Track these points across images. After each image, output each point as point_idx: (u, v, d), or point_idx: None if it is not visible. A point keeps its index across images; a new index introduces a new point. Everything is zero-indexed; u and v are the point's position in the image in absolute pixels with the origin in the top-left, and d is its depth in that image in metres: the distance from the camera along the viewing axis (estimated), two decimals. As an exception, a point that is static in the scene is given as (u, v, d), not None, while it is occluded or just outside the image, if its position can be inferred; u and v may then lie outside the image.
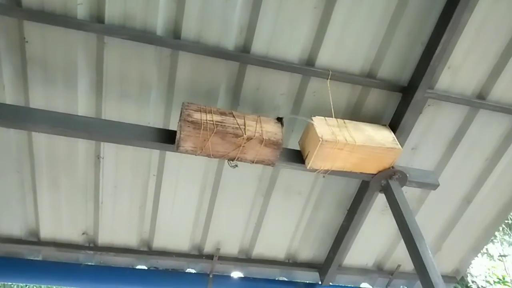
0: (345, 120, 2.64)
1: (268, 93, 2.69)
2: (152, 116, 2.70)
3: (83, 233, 3.21)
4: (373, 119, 2.83)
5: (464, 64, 2.69)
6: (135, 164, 2.94)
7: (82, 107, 2.61)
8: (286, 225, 3.43)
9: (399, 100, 2.77)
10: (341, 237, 3.32)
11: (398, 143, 2.60)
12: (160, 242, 3.32)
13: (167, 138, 2.36)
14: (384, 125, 2.77)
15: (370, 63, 2.65)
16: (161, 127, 2.72)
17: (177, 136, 2.25)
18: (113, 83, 2.55)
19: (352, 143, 2.45)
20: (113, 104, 2.62)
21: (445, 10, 2.43)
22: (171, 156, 2.91)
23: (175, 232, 3.32)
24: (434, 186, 2.92)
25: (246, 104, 2.71)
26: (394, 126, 2.75)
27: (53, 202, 3.03)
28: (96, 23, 2.31)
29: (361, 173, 2.64)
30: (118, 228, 3.24)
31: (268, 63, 2.52)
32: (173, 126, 2.67)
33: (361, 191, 3.11)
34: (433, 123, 2.92)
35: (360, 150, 2.49)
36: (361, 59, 2.62)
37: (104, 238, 3.25)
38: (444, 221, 3.49)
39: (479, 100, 2.82)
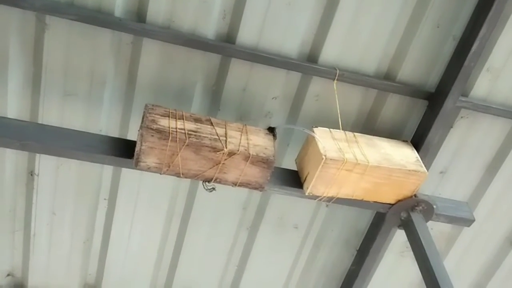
0: (356, 134, 2.64)
1: (258, 96, 2.69)
2: (105, 122, 2.67)
3: (7, 275, 3.15)
4: (391, 133, 2.84)
5: (507, 66, 2.73)
6: (81, 184, 2.88)
7: (13, 107, 2.57)
8: (278, 268, 3.39)
9: (424, 110, 2.79)
10: (349, 285, 3.29)
11: (423, 165, 2.60)
12: (110, 288, 3.27)
13: (124, 150, 2.34)
14: (405, 141, 2.78)
15: (389, 62, 2.67)
16: (116, 136, 2.68)
17: (137, 148, 2.23)
18: (55, 77, 2.51)
19: (364, 163, 2.45)
20: (53, 104, 2.58)
21: (484, -4, 2.47)
22: (128, 175, 2.87)
23: (130, 275, 3.26)
24: (469, 221, 2.92)
25: (228, 109, 2.70)
26: (417, 142, 2.76)
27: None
28: (36, -1, 2.30)
29: (375, 202, 2.64)
30: (55, 268, 3.17)
31: (258, 57, 2.52)
32: (132, 135, 2.65)
33: (375, 226, 3.10)
34: (467, 140, 2.95)
35: (374, 172, 2.49)
36: (377, 55, 2.64)
37: (35, 281, 3.18)
38: (481, 266, 3.50)
39: (525, 112, 2.87)
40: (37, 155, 2.76)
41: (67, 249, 3.12)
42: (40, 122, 2.61)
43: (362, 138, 2.62)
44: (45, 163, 2.78)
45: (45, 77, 2.51)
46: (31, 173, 2.82)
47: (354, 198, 2.58)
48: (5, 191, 2.85)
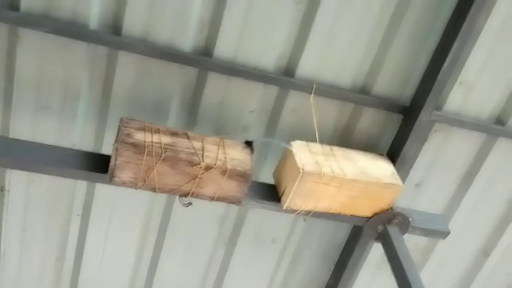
0: (333, 147, 2.67)
1: (235, 109, 2.70)
2: (78, 135, 2.64)
3: (-26, 295, 3.06)
4: (368, 146, 2.87)
5: (479, 80, 2.79)
6: (53, 200, 2.83)
7: (-18, 121, 2.52)
8: (255, 284, 3.38)
9: (399, 123, 2.83)
10: (327, 299, 3.31)
11: (399, 178, 2.64)
12: (83, 307, 3.20)
13: (98, 165, 2.31)
14: (381, 154, 2.82)
15: (364, 76, 2.71)
16: (90, 150, 2.65)
17: (112, 163, 2.20)
18: (27, 91, 2.48)
19: (341, 176, 2.47)
20: (25, 118, 2.54)
21: (457, 10, 2.49)
22: (102, 190, 2.84)
23: (104, 294, 3.21)
24: (444, 234, 2.96)
25: (205, 122, 2.70)
26: (393, 155, 2.80)
27: None
28: (9, 11, 2.26)
29: (352, 216, 2.65)
30: (26, 287, 3.10)
31: (236, 70, 2.54)
32: (106, 150, 2.61)
33: (352, 240, 3.12)
34: (441, 153, 2.99)
35: (351, 185, 2.51)
36: (353, 69, 2.68)
37: (4, 301, 3.11)
38: (457, 279, 3.54)
39: (498, 126, 2.92)
40: (8, 170, 2.70)
41: (38, 267, 3.06)
42: (11, 136, 2.56)
43: (339, 151, 2.65)
44: (16, 179, 2.73)
45: (17, 91, 2.48)
46: (1, 189, 2.76)
47: (331, 211, 2.59)
48: (-27, 207, 2.78)
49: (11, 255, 2.99)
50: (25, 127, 2.56)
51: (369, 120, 2.83)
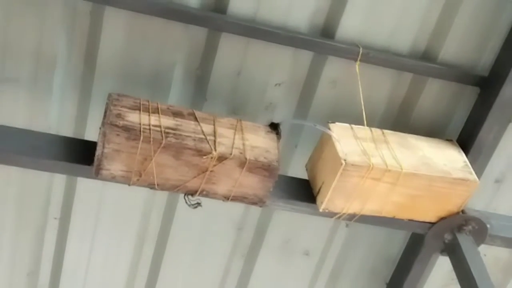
0: (385, 131, 2.65)
1: (256, 82, 2.70)
2: (55, 116, 2.68)
3: None
4: (432, 130, 2.85)
5: None
6: (23, 200, 2.88)
7: None
8: (283, 307, 3.41)
9: (474, 99, 2.80)
10: (376, 329, 3.33)
11: (473, 172, 2.61)
12: (62, 335, 3.27)
13: (81, 154, 2.33)
14: (449, 140, 2.80)
15: (427, 37, 2.69)
16: (70, 135, 2.68)
17: (98, 152, 2.22)
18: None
19: (397, 169, 2.45)
20: (-12, 93, 2.58)
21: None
22: (85, 187, 2.87)
23: (89, 318, 3.27)
24: (533, 244, 2.94)
25: (218, 99, 2.71)
26: (466, 142, 2.78)
27: None
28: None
29: (410, 221, 2.64)
30: (-10, 310, 3.18)
31: (256, 31, 2.53)
32: (91, 135, 2.63)
33: (410, 252, 3.11)
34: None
35: (410, 181, 2.49)
36: (413, 29, 2.65)
37: (-36, 327, 3.19)
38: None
39: None
40: (-34, 161, 2.75)
41: (5, 283, 3.12)
42: (-32, 117, 2.61)
43: (394, 137, 2.62)
44: (-24, 172, 2.78)
45: (-25, 59, 2.51)
46: (-44, 186, 2.82)
47: (382, 215, 2.59)
48: None
49: (-28, 268, 3.07)
50: (-12, 106, 2.60)
51: (434, 95, 2.81)
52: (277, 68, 2.68)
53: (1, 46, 2.49)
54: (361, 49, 2.59)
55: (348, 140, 2.50)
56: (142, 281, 3.24)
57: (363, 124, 2.61)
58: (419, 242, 2.97)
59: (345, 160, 2.39)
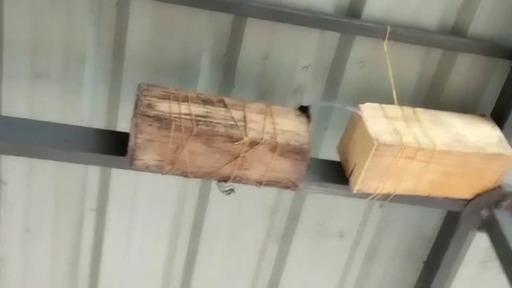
0: (416, 109, 2.63)
1: (283, 66, 2.69)
2: (87, 109, 2.71)
3: (-27, 311, 3.24)
4: (464, 106, 2.83)
5: None
6: (60, 192, 2.93)
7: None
8: (320, 289, 3.42)
9: (507, 73, 2.76)
10: (415, 308, 3.32)
11: (509, 146, 2.58)
12: (104, 323, 3.35)
13: (114, 145, 2.35)
14: (483, 115, 2.76)
15: (456, 11, 2.65)
16: (102, 127, 2.72)
17: (131, 142, 2.24)
18: (20, 55, 2.55)
19: (430, 147, 2.43)
20: (20, 90, 2.62)
21: None
22: (120, 177, 2.92)
23: (129, 305, 3.34)
24: None
25: (246, 85, 2.72)
26: (500, 116, 2.74)
27: None
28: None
29: (445, 198, 2.63)
30: (33, 300, 3.26)
31: (282, 14, 2.52)
32: (122, 126, 2.67)
33: (447, 230, 3.09)
34: None
35: (444, 159, 2.47)
36: (441, 4, 2.62)
37: (9, 317, 3.28)
38: None
39: None
40: (3, 157, 2.81)
41: (47, 274, 3.19)
42: (3, 114, 2.65)
43: (425, 115, 2.60)
44: (13, 167, 2.84)
45: (7, 56, 2.55)
46: (-4, 181, 2.88)
47: (417, 194, 2.57)
48: (-35, 205, 2.93)
49: (13, 261, 3.14)
50: (20, 102, 2.64)
51: (465, 70, 2.78)
52: (304, 50, 2.67)
53: (31, 43, 2.53)
54: (388, 27, 2.56)
55: (379, 120, 2.48)
56: (179, 268, 3.28)
57: (393, 103, 2.59)
58: (455, 220, 2.94)
59: (377, 140, 2.37)
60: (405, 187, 2.53)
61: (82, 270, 3.21)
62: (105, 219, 3.05)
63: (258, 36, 2.61)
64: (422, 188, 2.56)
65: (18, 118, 2.44)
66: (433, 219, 3.20)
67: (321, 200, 3.07)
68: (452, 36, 2.68)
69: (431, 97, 2.82)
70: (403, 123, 2.51)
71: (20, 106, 2.65)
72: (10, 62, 2.56)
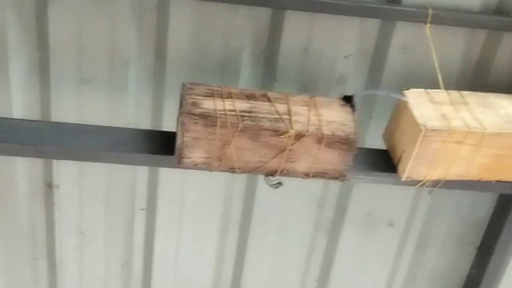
0: (463, 92, 2.58)
1: (324, 56, 2.68)
2: (133, 111, 2.75)
3: (33, 313, 3.32)
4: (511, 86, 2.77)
5: None
6: (111, 194, 2.99)
7: (18, 104, 2.68)
8: (371, 278, 3.42)
9: (557, 50, 2.70)
10: (469, 295, 3.28)
11: (562, 125, 2.51)
12: (159, 320, 3.40)
13: (162, 145, 2.38)
14: (532, 95, 2.70)
15: (500, -10, 2.61)
16: (148, 127, 2.76)
17: (178, 141, 2.27)
18: (66, 61, 2.60)
19: (479, 130, 2.39)
20: (68, 95, 2.67)
21: None
22: (167, 176, 2.95)
23: (183, 302, 3.38)
24: None
25: (287, 78, 2.71)
26: (551, 95, 2.67)
27: (-19, 263, 3.15)
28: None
29: (497, 182, 2.57)
30: (90, 301, 3.33)
31: (320, 4, 2.51)
32: (168, 126, 2.70)
33: (500, 214, 3.06)
34: None
35: (494, 141, 2.42)
36: (483, -16, 2.58)
37: (67, 318, 3.36)
38: None
39: None
40: (54, 161, 2.87)
41: (102, 275, 3.25)
42: (53, 120, 2.71)
43: (473, 98, 2.55)
44: (65, 171, 2.89)
45: (54, 63, 2.60)
46: (49, 185, 2.95)
47: (468, 178, 2.53)
48: (20, 210, 3.00)
49: (70, 263, 3.20)
50: (68, 107, 2.70)
51: (511, 50, 2.72)
52: (344, 40, 2.65)
53: (76, 49, 2.58)
54: (430, 10, 2.52)
55: (425, 106, 2.44)
56: (230, 264, 3.31)
57: (439, 88, 2.55)
58: (508, 203, 2.92)
59: (424, 126, 2.34)
60: (455, 172, 2.49)
61: (135, 270, 3.26)
62: (155, 218, 3.09)
63: (297, 28, 2.60)
64: (473, 172, 2.51)
65: (67, 123, 2.50)
66: (485, 204, 3.15)
67: (368, 190, 3.06)
68: (497, 16, 2.63)
69: (477, 79, 2.77)
70: (450, 107, 2.46)
71: (69, 111, 2.70)
72: (57, 69, 2.62)
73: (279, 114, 2.29)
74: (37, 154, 2.38)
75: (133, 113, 2.75)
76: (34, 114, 2.71)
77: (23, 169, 2.88)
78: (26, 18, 2.50)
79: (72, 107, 2.70)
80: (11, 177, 2.89)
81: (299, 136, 2.26)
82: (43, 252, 3.14)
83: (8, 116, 2.63)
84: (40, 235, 3.09)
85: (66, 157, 2.47)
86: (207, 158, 2.28)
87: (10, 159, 2.82)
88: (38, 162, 2.87)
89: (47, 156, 2.59)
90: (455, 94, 2.56)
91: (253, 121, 2.25)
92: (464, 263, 3.35)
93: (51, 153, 2.44)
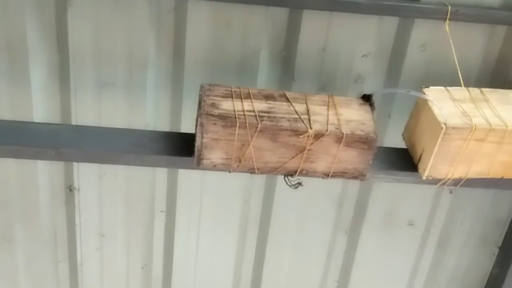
0: (483, 89, 2.54)
1: (343, 55, 2.68)
2: (151, 113, 2.77)
3: (55, 315, 3.35)
4: (533, 83, 2.75)
5: None
6: (131, 196, 3.01)
7: (39, 108, 2.71)
8: (392, 278, 3.41)
9: None
10: (492, 294, 3.25)
11: None
12: (180, 321, 3.41)
13: (181, 147, 2.39)
14: (553, 90, 2.67)
15: (520, -15, 2.58)
16: (167, 129, 2.78)
17: (198, 143, 2.26)
18: (86, 65, 2.63)
19: (501, 127, 2.35)
20: (88, 99, 2.70)
21: None
22: (186, 178, 2.97)
23: (204, 303, 3.39)
24: None
25: (306, 77, 2.71)
26: None
27: (2, 267, 3.17)
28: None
29: (520, 180, 2.55)
30: (111, 302, 3.35)
31: (338, 3, 2.50)
32: (187, 127, 2.71)
33: (522, 213, 3.02)
34: None
35: (516, 138, 2.40)
36: (503, -21, 2.57)
37: (89, 320, 3.38)
38: None
39: None
40: (75, 164, 2.90)
41: (123, 277, 3.27)
42: (74, 123, 2.75)
43: (494, 94, 2.51)
44: (86, 174, 2.92)
45: (74, 66, 2.63)
46: (70, 188, 2.97)
47: (490, 176, 2.49)
48: (41, 213, 3.03)
49: (91, 266, 3.23)
50: (89, 110, 2.73)
51: (532, 46, 2.70)
52: (362, 38, 2.65)
53: (95, 52, 2.60)
54: (449, 7, 2.51)
55: (446, 103, 2.42)
56: (249, 264, 3.31)
57: (459, 85, 2.52)
58: (531, 201, 2.87)
59: (445, 123, 2.31)
60: (477, 170, 2.46)
61: (155, 272, 3.27)
62: (174, 219, 3.10)
63: (315, 28, 2.60)
64: (495, 170, 2.48)
65: (87, 126, 2.52)
66: (507, 202, 3.13)
67: (388, 189, 3.05)
68: (516, 11, 2.60)
69: (498, 75, 2.75)
70: (471, 105, 2.44)
71: (89, 114, 2.73)
72: (77, 73, 2.64)
73: (298, 114, 2.29)
74: (58, 157, 2.39)
75: (152, 115, 2.77)
76: (54, 117, 2.74)
77: (44, 173, 2.92)
78: (45, 22, 2.53)
79: (92, 110, 2.73)
80: (32, 181, 2.93)
81: (318, 136, 2.25)
82: (64, 254, 3.18)
83: (29, 120, 2.67)
84: (61, 237, 3.12)
85: (87, 160, 2.48)
86: (226, 159, 2.28)
87: (32, 163, 2.86)
88: (59, 165, 2.90)
89: (68, 159, 2.61)
90: (475, 91, 2.52)
91: (272, 121, 2.24)
92: (486, 263, 3.33)
93: (71, 156, 2.46)
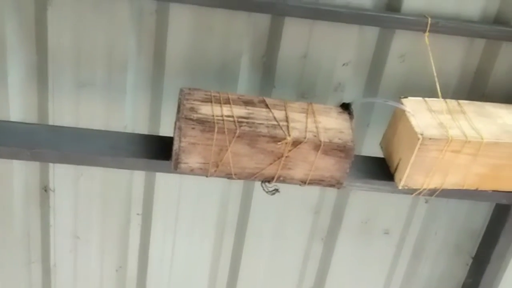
0: (461, 101, 2.57)
1: (323, 63, 2.69)
2: (130, 115, 2.75)
3: (26, 317, 3.30)
4: (509, 96, 2.77)
5: None
6: (107, 198, 2.98)
7: (16, 107, 2.69)
8: (368, 286, 3.41)
9: (554, 61, 2.71)
10: (465, 305, 3.27)
11: (558, 136, 2.51)
12: (153, 326, 3.38)
13: (158, 150, 2.38)
14: (529, 105, 2.70)
15: (499, 0, 2.60)
16: (145, 132, 2.76)
17: (175, 146, 2.26)
18: (65, 65, 2.60)
19: (477, 139, 2.38)
20: (66, 99, 2.67)
21: None
22: (164, 181, 2.95)
23: (178, 308, 3.37)
24: None
25: (286, 84, 2.71)
26: (547, 105, 2.67)
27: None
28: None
29: (494, 191, 2.57)
30: (84, 305, 3.31)
31: (320, 11, 2.51)
32: (165, 130, 2.70)
33: (496, 224, 3.05)
34: None
35: (492, 151, 2.42)
36: (482, -7, 2.59)
37: (61, 323, 3.34)
38: None
39: None
40: (51, 165, 2.86)
41: (97, 280, 3.24)
42: (51, 123, 2.71)
43: (470, 107, 2.55)
44: (62, 175, 2.89)
45: (53, 66, 2.60)
46: (45, 189, 2.94)
47: (465, 188, 2.52)
48: (15, 213, 2.99)
49: (64, 267, 3.20)
50: (66, 111, 2.70)
51: (510, 60, 2.73)
52: (343, 47, 2.66)
53: (75, 52, 2.58)
54: (429, 19, 2.53)
55: (423, 114, 2.44)
56: (225, 269, 3.30)
57: (436, 97, 2.55)
58: (504, 213, 2.91)
59: (422, 134, 2.33)
60: (452, 181, 2.49)
61: (130, 274, 3.25)
62: (150, 222, 3.08)
63: (296, 35, 2.61)
64: (469, 181, 2.51)
65: (64, 127, 2.50)
66: (481, 213, 3.15)
67: (365, 198, 3.06)
68: (496, 26, 2.64)
69: (476, 88, 2.78)
70: (448, 116, 2.46)
71: (66, 115, 2.70)
72: (55, 73, 2.62)
73: (276, 121, 2.29)
74: (33, 157, 2.38)
75: (131, 117, 2.75)
76: (31, 117, 2.71)
77: (19, 172, 2.88)
78: (25, 22, 2.50)
79: (69, 111, 2.70)
80: (7, 180, 2.89)
81: (296, 143, 2.26)
82: (37, 256, 3.14)
83: (5, 119, 2.63)
84: (35, 238, 3.08)
85: (62, 161, 2.47)
86: (204, 163, 2.28)
87: (6, 162, 2.81)
88: (34, 166, 2.87)
89: (44, 159, 2.58)
90: (453, 103, 2.55)
91: (250, 127, 2.24)
92: (459, 273, 3.35)
93: (47, 157, 2.43)
